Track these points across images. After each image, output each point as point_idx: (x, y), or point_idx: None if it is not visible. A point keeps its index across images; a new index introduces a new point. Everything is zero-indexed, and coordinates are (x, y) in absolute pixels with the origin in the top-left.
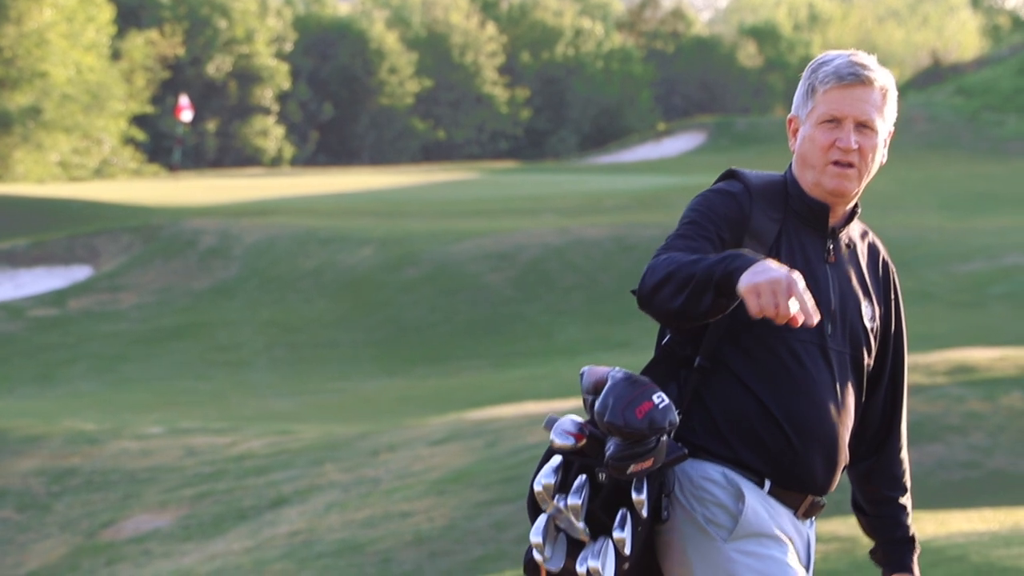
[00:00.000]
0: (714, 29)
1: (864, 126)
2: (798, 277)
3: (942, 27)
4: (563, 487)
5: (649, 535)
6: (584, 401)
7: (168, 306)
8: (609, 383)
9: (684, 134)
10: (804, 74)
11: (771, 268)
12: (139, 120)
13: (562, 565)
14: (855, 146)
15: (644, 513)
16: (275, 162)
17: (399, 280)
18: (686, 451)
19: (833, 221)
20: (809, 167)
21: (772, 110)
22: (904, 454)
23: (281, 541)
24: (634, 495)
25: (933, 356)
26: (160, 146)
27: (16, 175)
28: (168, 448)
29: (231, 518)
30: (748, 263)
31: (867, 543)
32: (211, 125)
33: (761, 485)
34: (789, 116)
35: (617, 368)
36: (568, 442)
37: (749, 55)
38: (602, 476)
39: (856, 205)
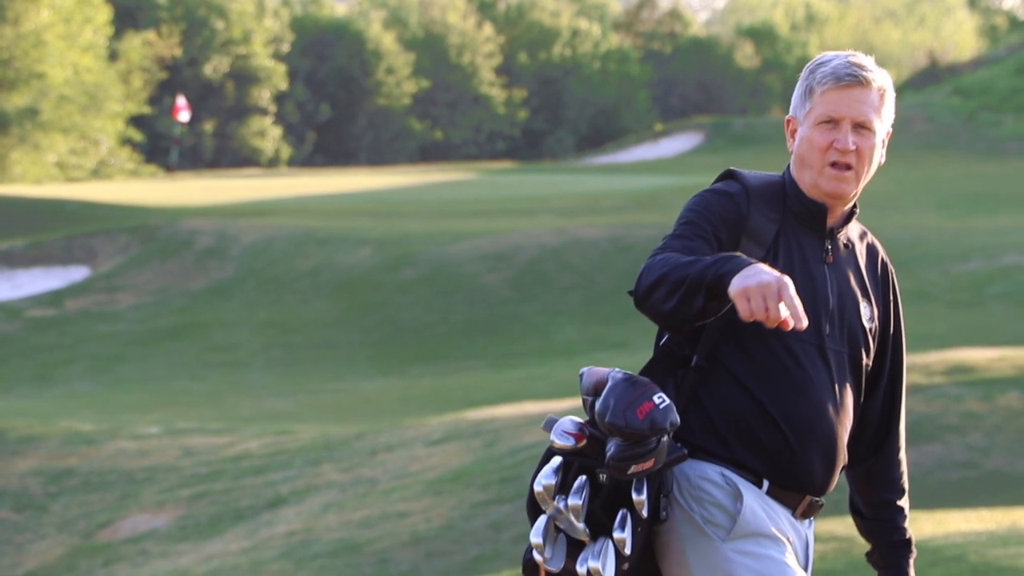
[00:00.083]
0: (711, 30)
1: (862, 127)
2: (788, 281)
3: (939, 27)
4: (563, 488)
5: (648, 536)
6: (584, 402)
7: (165, 306)
8: (609, 384)
9: (681, 135)
10: (802, 75)
11: (762, 272)
12: (136, 121)
13: (562, 566)
14: (853, 147)
15: (644, 514)
16: (272, 163)
17: (396, 280)
18: (686, 451)
19: (831, 222)
20: (807, 168)
21: (769, 111)
22: (903, 455)
23: (278, 541)
24: (634, 495)
25: (931, 356)
26: (157, 147)
27: (13, 176)
28: (165, 448)
29: (228, 518)
30: (740, 266)
31: (864, 543)
32: (208, 126)
33: (759, 485)
34: (787, 117)
35: (617, 369)
36: (568, 443)
37: (746, 56)
38: (602, 477)
39: (855, 206)
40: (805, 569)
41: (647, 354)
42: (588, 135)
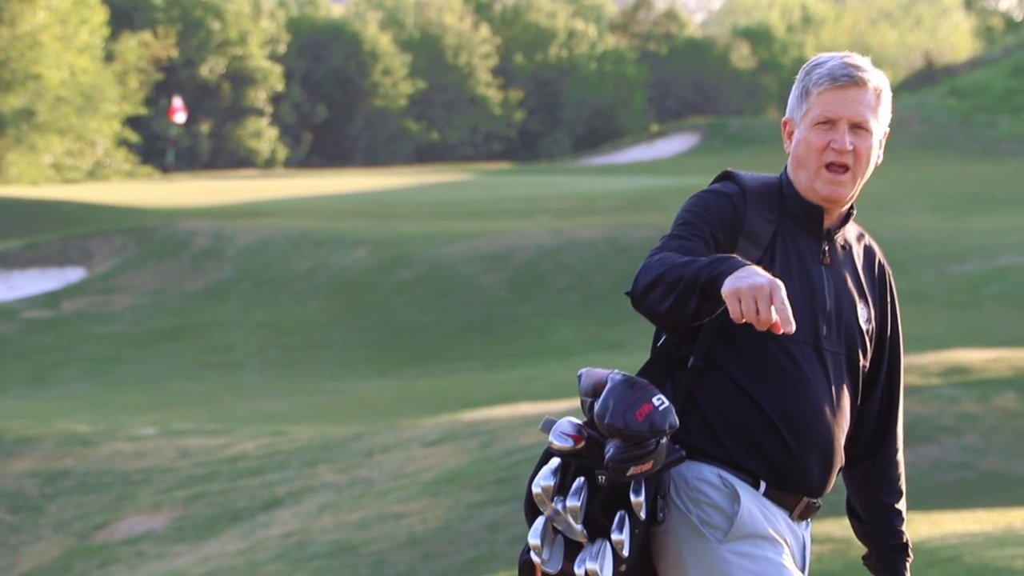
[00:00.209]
0: (707, 31)
1: (859, 127)
2: (780, 285)
3: (935, 29)
4: (562, 489)
5: (645, 537)
6: (582, 403)
7: (161, 308)
8: (608, 385)
9: (677, 135)
10: (798, 77)
11: (755, 274)
12: (132, 122)
13: (560, 567)
14: (850, 147)
15: (642, 515)
16: (268, 164)
17: (393, 281)
18: (684, 453)
19: (828, 223)
20: (804, 169)
21: (765, 112)
22: (900, 457)
23: (274, 542)
24: (632, 497)
25: (927, 357)
26: (153, 148)
27: (9, 177)
28: (161, 449)
29: (224, 519)
30: (733, 268)
31: (861, 546)
32: (204, 127)
33: (756, 486)
34: (784, 119)
35: (616, 370)
36: (567, 444)
37: (742, 57)
38: (601, 478)
39: (852, 207)
40: (802, 571)
41: (643, 355)
42: (584, 136)
